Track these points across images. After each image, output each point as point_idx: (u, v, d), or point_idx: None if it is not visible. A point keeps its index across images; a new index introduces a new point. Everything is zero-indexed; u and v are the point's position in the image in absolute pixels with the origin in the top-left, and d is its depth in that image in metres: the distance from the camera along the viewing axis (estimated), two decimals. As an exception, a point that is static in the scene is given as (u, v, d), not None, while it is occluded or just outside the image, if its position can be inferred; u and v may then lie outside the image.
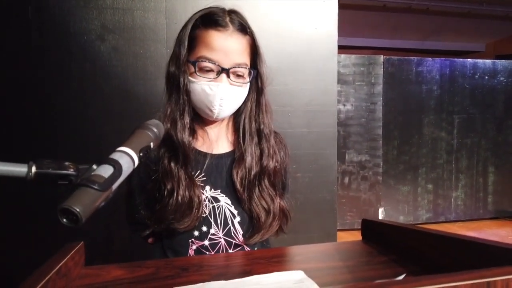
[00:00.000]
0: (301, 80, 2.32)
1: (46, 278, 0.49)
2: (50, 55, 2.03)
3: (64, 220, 0.44)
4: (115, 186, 0.51)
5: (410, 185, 4.68)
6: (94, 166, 0.51)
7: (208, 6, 0.98)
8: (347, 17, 6.51)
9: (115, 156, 0.53)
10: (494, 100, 4.83)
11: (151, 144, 0.61)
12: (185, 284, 0.68)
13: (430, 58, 4.70)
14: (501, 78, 4.81)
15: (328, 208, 2.41)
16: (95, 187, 0.47)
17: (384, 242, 0.86)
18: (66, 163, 0.50)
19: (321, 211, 2.39)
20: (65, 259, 0.60)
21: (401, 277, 0.60)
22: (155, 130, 0.64)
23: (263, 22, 2.23)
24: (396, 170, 4.62)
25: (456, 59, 4.87)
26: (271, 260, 0.79)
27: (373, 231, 0.91)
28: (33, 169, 0.48)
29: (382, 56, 4.48)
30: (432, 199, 4.76)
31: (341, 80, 4.23)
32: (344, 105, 4.36)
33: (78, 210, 0.44)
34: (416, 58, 4.67)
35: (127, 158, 0.54)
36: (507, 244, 0.58)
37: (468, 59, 4.80)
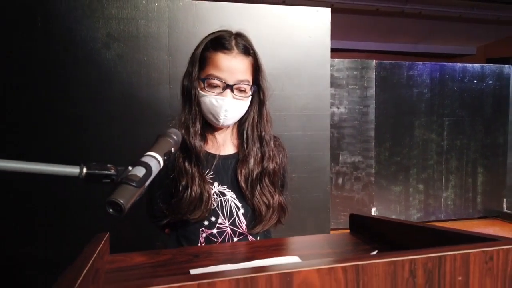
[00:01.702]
0: (296, 86, 2.45)
1: (92, 258, 0.61)
2: (57, 62, 2.14)
3: (111, 210, 0.57)
4: (146, 183, 0.63)
5: (401, 186, 4.82)
6: (130, 168, 0.63)
7: (217, 30, 1.11)
8: (341, 20, 6.66)
9: (146, 159, 0.66)
10: (482, 103, 4.99)
11: (172, 149, 0.73)
12: (198, 267, 0.80)
13: (421, 62, 4.84)
14: (490, 82, 4.97)
15: (322, 207, 2.54)
16: (134, 184, 0.59)
17: (368, 233, 0.99)
18: (108, 165, 0.62)
19: (315, 210, 2.51)
20: (101, 245, 0.72)
21: (373, 253, 0.72)
22: (175, 137, 0.76)
23: (261, 32, 2.36)
24: (388, 171, 4.76)
25: (446, 63, 5.03)
26: (270, 248, 0.92)
27: (359, 224, 1.03)
28: (84, 170, 0.60)
29: (374, 60, 4.62)
30: (423, 199, 4.90)
31: (335, 83, 4.37)
32: (338, 108, 4.50)
33: (122, 202, 0.56)
34: (407, 62, 4.82)
35: (155, 161, 0.67)
36: (463, 230, 0.71)
37: (458, 63, 4.96)
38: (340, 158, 4.54)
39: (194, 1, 2.30)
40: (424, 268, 0.55)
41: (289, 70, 2.42)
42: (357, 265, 0.52)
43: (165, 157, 0.69)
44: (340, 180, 4.57)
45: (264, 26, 2.38)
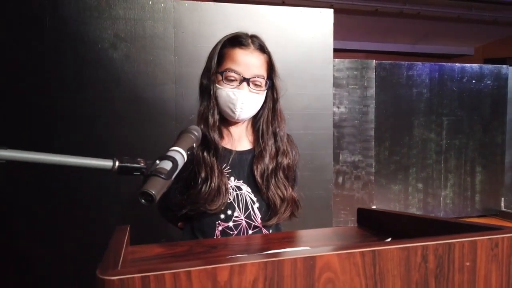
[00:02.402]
0: (299, 86, 2.49)
1: (123, 247, 0.65)
2: (66, 62, 2.18)
3: (143, 200, 0.61)
4: (173, 176, 0.67)
5: (401, 184, 4.87)
6: (157, 161, 0.67)
7: (234, 32, 1.16)
8: (341, 21, 6.71)
9: (171, 153, 0.70)
10: (481, 103, 5.04)
11: (194, 144, 0.77)
12: (215, 257, 0.85)
13: (420, 63, 4.89)
14: (488, 82, 5.03)
15: (324, 205, 2.59)
16: (163, 176, 0.63)
17: (376, 226, 1.03)
18: (138, 159, 0.66)
19: (318, 208, 2.55)
20: (126, 235, 0.76)
21: (388, 240, 0.77)
22: (196, 133, 0.81)
23: (265, 32, 2.39)
24: (388, 170, 4.81)
25: (444, 63, 5.08)
26: (283, 240, 0.96)
27: (366, 217, 1.08)
28: (117, 163, 0.64)
29: (374, 60, 4.67)
30: (422, 197, 4.96)
31: (335, 83, 4.40)
32: (338, 107, 4.54)
33: (153, 192, 0.60)
34: (406, 62, 4.86)
35: (180, 155, 0.71)
36: (468, 221, 0.75)
37: (456, 64, 5.01)
38: (341, 157, 4.59)
39: (199, 2, 2.34)
40: (435, 253, 0.59)
41: (292, 70, 2.46)
42: (374, 251, 0.57)
43: (188, 152, 0.73)
44: (340, 179, 4.62)
45: (267, 26, 2.42)
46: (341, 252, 0.55)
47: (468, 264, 0.61)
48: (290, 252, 0.57)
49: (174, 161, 0.67)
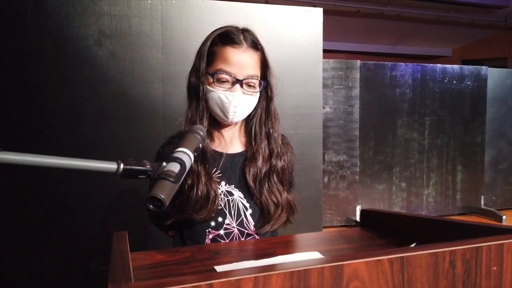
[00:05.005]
0: (289, 85, 2.46)
1: (129, 256, 0.60)
2: (48, 59, 2.09)
3: (151, 206, 0.56)
4: (181, 179, 0.62)
5: (385, 184, 4.90)
6: (164, 164, 0.62)
7: (223, 25, 1.09)
8: (323, 21, 6.74)
9: (179, 155, 0.65)
10: (461, 103, 5.12)
11: (200, 145, 0.73)
12: (221, 264, 0.80)
13: (403, 63, 4.94)
14: (468, 83, 5.12)
15: (314, 205, 2.57)
16: (172, 179, 0.58)
17: (381, 228, 1.00)
18: (144, 161, 0.61)
19: (308, 207, 2.53)
20: (127, 242, 0.71)
21: (412, 245, 0.74)
22: (202, 133, 0.76)
23: (254, 30, 2.36)
24: (372, 170, 4.83)
25: (427, 64, 5.15)
26: (289, 244, 0.92)
27: (370, 218, 1.05)
28: (121, 166, 0.59)
29: (358, 61, 4.68)
30: (406, 196, 5.01)
31: (320, 83, 4.40)
32: (324, 107, 4.54)
33: (163, 197, 0.55)
34: (390, 63, 4.90)
35: (187, 156, 0.66)
36: (471, 222, 0.73)
37: (438, 65, 5.08)
38: (326, 157, 4.58)
39: (187, -1, 2.28)
40: (463, 259, 0.57)
41: (282, 70, 2.40)
42: (402, 257, 0.53)
43: (195, 153, 0.69)
44: (325, 179, 4.61)
45: (256, 25, 2.36)
46: (369, 259, 0.52)
47: (495, 268, 0.58)
48: (320, 259, 0.53)
49: (182, 163, 0.62)
